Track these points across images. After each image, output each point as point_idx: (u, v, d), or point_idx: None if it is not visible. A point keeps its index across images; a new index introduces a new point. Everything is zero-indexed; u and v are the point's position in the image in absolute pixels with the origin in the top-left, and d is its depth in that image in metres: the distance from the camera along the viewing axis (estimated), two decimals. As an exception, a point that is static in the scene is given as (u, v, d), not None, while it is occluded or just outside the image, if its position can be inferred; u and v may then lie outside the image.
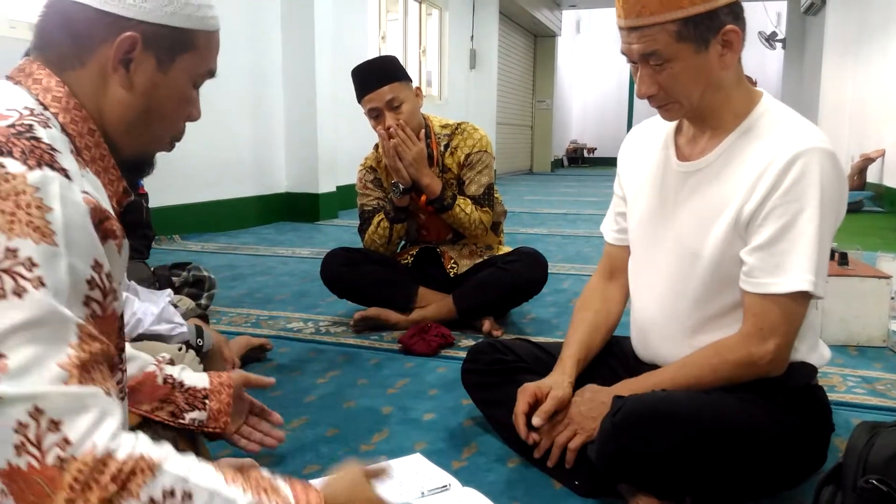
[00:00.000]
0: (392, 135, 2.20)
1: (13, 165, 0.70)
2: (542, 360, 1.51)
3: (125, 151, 0.87)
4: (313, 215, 5.50)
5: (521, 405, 1.33)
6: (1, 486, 0.65)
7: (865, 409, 1.71)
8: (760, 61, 14.60)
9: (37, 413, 0.65)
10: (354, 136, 6.63)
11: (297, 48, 5.37)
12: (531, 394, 1.33)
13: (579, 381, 1.38)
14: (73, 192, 0.73)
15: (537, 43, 13.71)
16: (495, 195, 2.42)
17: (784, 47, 12.91)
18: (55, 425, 0.65)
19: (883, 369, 2.00)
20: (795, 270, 1.13)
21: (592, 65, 16.55)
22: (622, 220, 1.48)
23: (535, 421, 1.29)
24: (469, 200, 2.32)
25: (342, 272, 2.34)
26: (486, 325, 2.26)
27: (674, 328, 1.30)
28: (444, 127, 2.40)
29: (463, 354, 2.06)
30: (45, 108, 0.80)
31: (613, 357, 1.50)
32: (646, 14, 1.14)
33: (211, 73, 0.93)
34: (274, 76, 5.34)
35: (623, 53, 1.21)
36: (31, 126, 0.76)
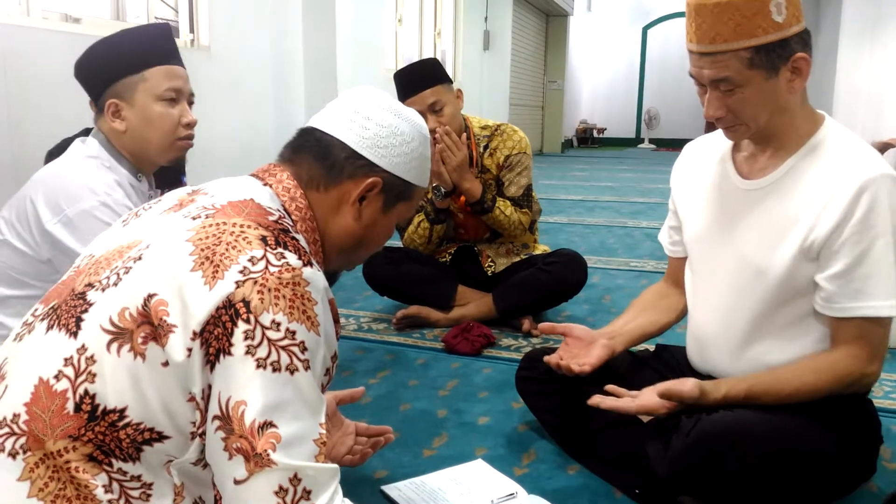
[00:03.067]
0: (438, 140, 2.23)
1: (292, 259, 0.83)
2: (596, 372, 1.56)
3: (330, 265, 1.02)
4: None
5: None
6: None
7: (888, 411, 1.76)
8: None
9: (295, 481, 0.78)
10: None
11: (318, 33, 5.37)
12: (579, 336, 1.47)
13: (623, 381, 1.42)
14: (328, 291, 0.88)
15: (549, 22, 13.61)
16: (532, 194, 2.46)
17: (799, 29, 12.80)
18: (307, 494, 0.79)
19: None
20: (884, 296, 1.18)
21: (603, 44, 16.41)
22: (675, 233, 1.53)
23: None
24: (508, 202, 2.36)
25: (385, 270, 2.38)
26: (526, 324, 2.31)
27: (731, 341, 1.35)
28: (483, 128, 2.43)
29: (504, 354, 2.15)
30: (289, 214, 0.95)
31: (663, 363, 1.55)
32: (719, 41, 1.18)
33: (410, 220, 1.09)
34: (295, 62, 5.35)
35: (691, 76, 1.25)
36: (289, 228, 0.90)
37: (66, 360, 0.82)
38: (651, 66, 16.32)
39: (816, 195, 1.21)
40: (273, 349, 0.79)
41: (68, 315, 0.85)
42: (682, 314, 1.56)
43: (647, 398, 1.25)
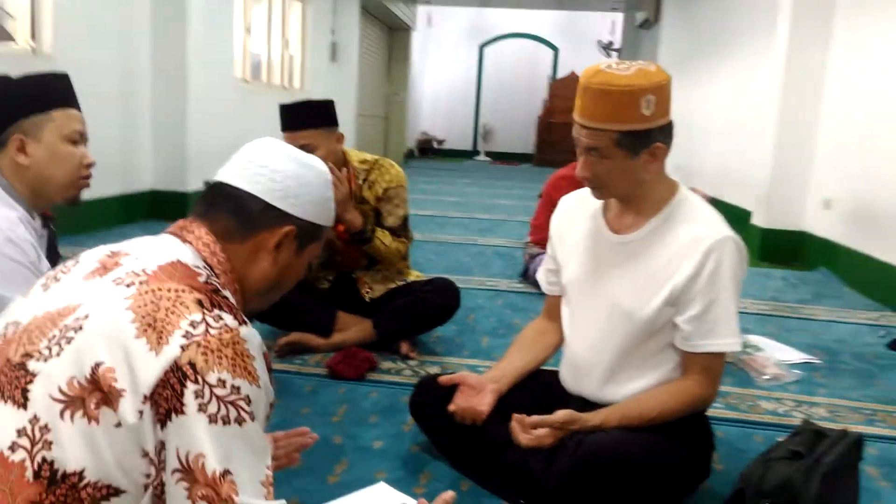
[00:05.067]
0: None
1: (229, 320, 0.91)
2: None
3: (248, 308, 1.08)
4: (181, 214, 5.29)
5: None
6: None
7: (722, 421, 2.11)
8: (597, 67, 15.72)
9: None
10: (225, 133, 6.52)
11: (168, 41, 5.21)
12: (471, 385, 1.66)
13: (503, 401, 1.65)
14: (262, 346, 0.96)
15: (392, 36, 13.87)
16: (408, 224, 2.62)
17: (619, 57, 14.02)
18: None
19: (731, 384, 2.44)
20: (726, 335, 1.47)
21: (443, 59, 16.96)
22: (552, 275, 1.76)
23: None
24: (387, 232, 2.51)
25: (266, 299, 2.43)
26: (404, 347, 2.47)
27: (600, 369, 1.59)
28: (362, 162, 2.56)
29: (386, 377, 2.30)
30: (212, 268, 1.01)
31: (538, 385, 1.77)
32: (597, 120, 1.42)
33: (318, 256, 1.19)
34: (142, 71, 5.15)
35: (573, 136, 1.49)
36: (218, 287, 0.97)
37: (18, 431, 0.86)
38: (487, 83, 17.08)
39: (676, 253, 1.48)
40: (222, 405, 0.88)
41: (12, 387, 0.89)
42: (557, 348, 1.79)
43: (539, 434, 1.45)
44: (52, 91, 1.45)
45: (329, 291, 2.58)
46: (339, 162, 2.45)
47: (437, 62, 16.89)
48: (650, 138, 1.43)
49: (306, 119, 2.32)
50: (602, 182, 1.51)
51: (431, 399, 1.75)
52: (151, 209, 5.30)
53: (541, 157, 15.08)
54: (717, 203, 6.71)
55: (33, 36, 4.14)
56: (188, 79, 5.30)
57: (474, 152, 16.83)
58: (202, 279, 0.97)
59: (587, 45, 15.71)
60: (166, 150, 5.33)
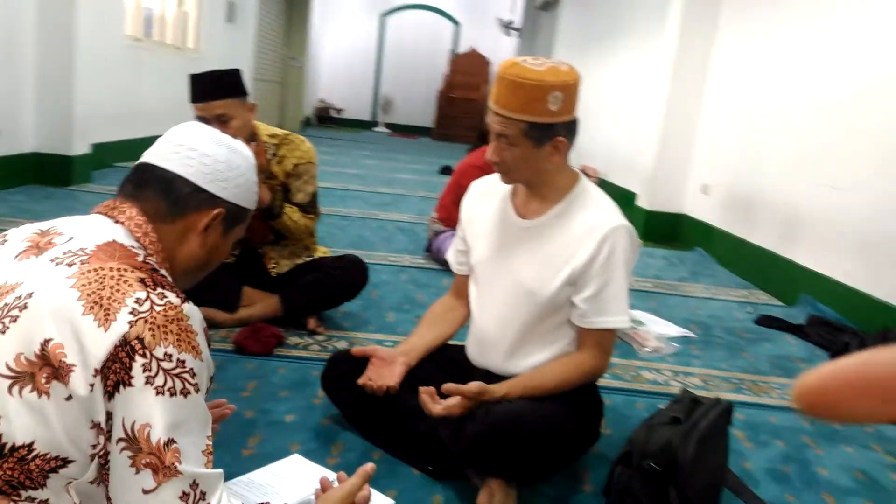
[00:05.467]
0: None
1: (172, 297, 0.95)
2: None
3: (177, 287, 1.11)
4: (64, 179, 5.10)
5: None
6: None
7: (609, 390, 2.29)
8: (496, 44, 15.93)
9: (194, 485, 0.94)
10: (114, 93, 6.21)
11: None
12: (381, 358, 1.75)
13: (412, 373, 1.75)
14: (203, 322, 1.00)
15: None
16: (317, 201, 2.64)
17: (519, 36, 14.27)
18: (203, 495, 0.95)
19: (617, 356, 2.64)
20: (618, 313, 1.61)
21: (343, 24, 16.65)
22: (462, 256, 1.86)
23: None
24: (296, 208, 2.52)
25: (171, 273, 2.40)
26: (312, 323, 2.51)
27: (505, 343, 1.71)
28: (271, 136, 2.55)
29: (294, 352, 2.34)
30: (145, 248, 1.04)
31: (445, 359, 1.88)
32: (508, 109, 1.52)
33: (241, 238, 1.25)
34: (26, 28, 4.80)
35: (487, 124, 1.58)
36: (155, 266, 1.01)
37: None
38: (388, 53, 16.94)
39: (575, 238, 1.60)
40: (168, 377, 0.93)
41: None
42: (464, 323, 1.89)
43: (449, 403, 1.54)
44: None
45: (234, 266, 2.57)
46: (249, 136, 2.43)
47: (337, 28, 16.56)
48: (554, 132, 1.54)
49: (220, 89, 2.29)
50: (509, 167, 1.61)
51: (343, 373, 1.82)
52: (34, 173, 4.99)
53: (440, 132, 15.20)
54: (604, 184, 7.03)
55: None
56: (75, 35, 4.99)
57: (373, 123, 16.72)
58: (140, 258, 1.01)
59: (488, 21, 15.87)
60: (50, 110, 5.02)
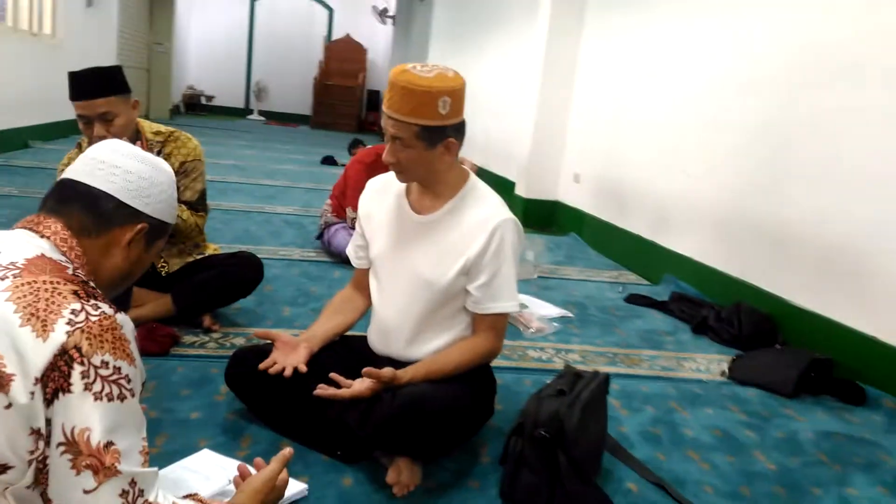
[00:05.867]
0: None
1: (105, 308, 1.00)
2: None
3: None
4: (-88, 176, 4.70)
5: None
6: None
7: (500, 369, 2.44)
8: (372, 31, 15.91)
9: (133, 484, 0.99)
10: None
11: None
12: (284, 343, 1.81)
13: (315, 360, 1.81)
14: (134, 330, 1.06)
15: (155, -19, 12.85)
16: (206, 198, 2.63)
17: (394, 24, 14.32)
18: (141, 492, 1.00)
19: (506, 338, 2.81)
20: (508, 299, 1.75)
21: (210, 8, 16.04)
22: (361, 250, 1.95)
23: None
24: (185, 206, 2.50)
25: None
26: (207, 320, 2.51)
27: (406, 332, 1.82)
28: (156, 134, 2.51)
29: (191, 351, 2.35)
30: (71, 262, 1.07)
31: (346, 348, 1.96)
32: (401, 113, 1.63)
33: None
34: None
35: (382, 127, 1.68)
36: (85, 279, 1.05)
37: None
38: (260, 39, 16.48)
39: (467, 231, 1.73)
40: (105, 384, 0.98)
41: None
42: (363, 313, 1.99)
43: (357, 387, 1.64)
44: None
45: (123, 266, 2.52)
46: (133, 133, 2.39)
47: (205, 13, 15.93)
48: (445, 134, 1.66)
49: (102, 86, 2.23)
50: (404, 167, 1.72)
51: (247, 369, 1.86)
52: None
53: (318, 120, 15.03)
54: (483, 173, 7.27)
55: None
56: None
57: (247, 111, 16.25)
58: (70, 271, 1.05)
59: (363, 8, 15.81)
60: None
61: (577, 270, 4.22)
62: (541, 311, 3.23)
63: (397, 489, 1.63)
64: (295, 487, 1.55)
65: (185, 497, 1.15)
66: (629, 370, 2.66)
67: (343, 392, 1.63)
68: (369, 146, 4.01)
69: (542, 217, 5.58)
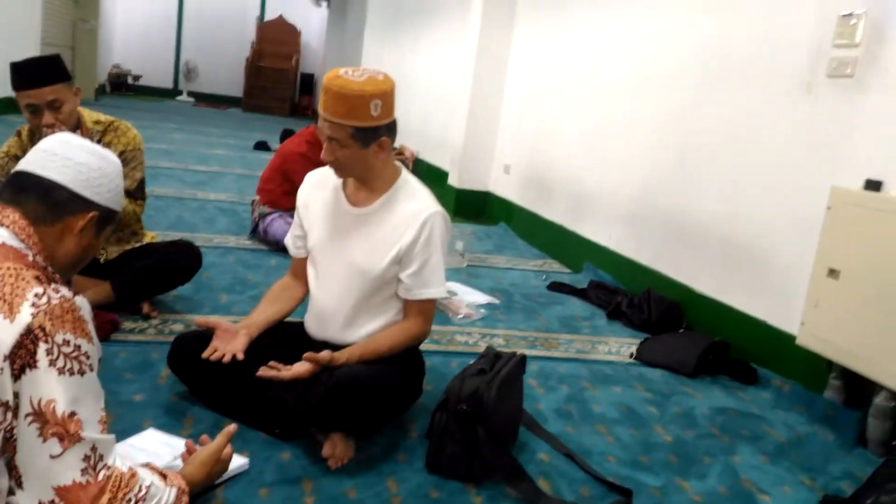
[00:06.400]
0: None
1: (64, 291, 1.12)
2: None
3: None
4: None
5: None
6: (53, 498, 1.02)
7: (428, 353, 2.59)
8: (306, 14, 15.76)
9: (94, 450, 1.12)
10: None
11: None
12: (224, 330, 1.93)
13: (255, 345, 1.95)
14: (91, 311, 1.17)
15: (79, -45, 12.38)
16: (144, 187, 2.70)
17: (329, 7, 14.24)
18: (101, 457, 1.13)
19: (434, 323, 2.96)
20: (437, 286, 1.93)
21: (137, -16, 15.59)
22: (299, 240, 2.08)
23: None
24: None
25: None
26: (146, 307, 2.60)
27: (341, 317, 1.98)
28: (96, 123, 2.57)
29: (131, 337, 2.45)
30: (30, 248, 1.18)
31: (284, 333, 2.10)
32: (336, 116, 1.78)
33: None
34: None
35: (318, 128, 1.82)
36: (44, 265, 1.11)
37: None
38: (189, 18, 16.12)
39: (400, 223, 1.90)
40: (68, 360, 1.11)
41: None
42: (301, 301, 2.13)
43: (297, 368, 1.78)
44: None
45: (61, 254, 2.58)
46: (74, 122, 2.44)
47: (131, -13, 15.48)
48: (378, 134, 1.82)
49: (47, 74, 2.30)
50: (342, 165, 1.87)
51: (189, 353, 1.98)
52: None
53: (250, 102, 14.85)
54: (419, 162, 7.39)
55: None
56: None
57: (177, 92, 15.91)
58: (30, 258, 1.17)
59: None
60: None
61: (504, 259, 4.43)
62: (469, 298, 3.41)
63: (332, 462, 1.78)
64: (237, 461, 1.69)
65: (141, 465, 1.28)
66: (547, 353, 2.87)
67: (283, 374, 1.77)
68: (294, 138, 4.05)
69: (473, 207, 5.78)
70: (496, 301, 3.48)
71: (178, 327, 2.55)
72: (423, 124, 7.80)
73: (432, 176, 6.71)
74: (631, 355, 2.93)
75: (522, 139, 5.33)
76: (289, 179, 3.82)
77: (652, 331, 3.21)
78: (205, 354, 1.88)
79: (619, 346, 3.05)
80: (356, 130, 1.79)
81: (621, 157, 4.00)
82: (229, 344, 1.91)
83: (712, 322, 3.14)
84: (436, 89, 7.41)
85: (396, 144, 9.28)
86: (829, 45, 2.64)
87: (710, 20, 3.34)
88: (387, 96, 1.81)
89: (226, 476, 1.62)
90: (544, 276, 4.08)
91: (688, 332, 3.16)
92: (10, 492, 1.11)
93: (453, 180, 5.93)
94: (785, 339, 2.70)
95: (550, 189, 4.81)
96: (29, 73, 2.29)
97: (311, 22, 15.84)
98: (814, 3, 2.73)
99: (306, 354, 1.78)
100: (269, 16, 15.96)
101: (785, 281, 2.80)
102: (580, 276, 4.13)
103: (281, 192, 3.87)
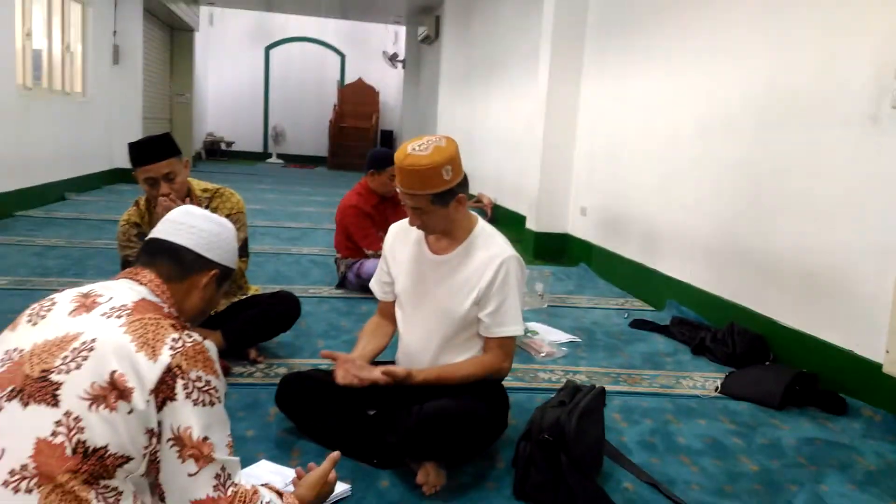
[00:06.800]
0: (170, 203, 2.62)
1: (196, 336, 1.34)
2: (333, 382, 2.19)
3: None
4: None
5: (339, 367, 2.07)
6: None
7: (513, 390, 2.75)
8: (383, 74, 16.48)
9: (223, 469, 1.31)
10: (7, 140, 6.19)
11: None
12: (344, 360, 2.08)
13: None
14: (217, 353, 1.37)
15: (174, 36, 13.48)
16: (248, 246, 2.98)
17: (404, 68, 14.85)
18: (229, 476, 1.32)
19: (518, 361, 3.11)
20: (513, 324, 2.06)
21: (227, 58, 16.69)
22: (386, 286, 2.27)
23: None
24: (231, 253, 2.85)
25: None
26: (253, 353, 2.84)
27: (428, 355, 2.14)
28: (204, 191, 2.87)
29: (241, 380, 2.67)
30: (164, 302, 1.40)
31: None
32: (413, 188, 1.97)
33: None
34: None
35: (401, 199, 2.01)
36: (176, 315, 1.35)
37: (56, 423, 1.21)
38: (275, 84, 17.14)
39: (478, 267, 2.06)
40: (200, 393, 1.30)
41: (42, 393, 1.23)
42: (392, 336, 2.31)
43: (374, 375, 1.98)
44: None
45: (177, 307, 2.86)
46: (185, 191, 2.74)
47: (221, 62, 16.61)
48: (454, 193, 2.00)
49: (163, 150, 2.61)
50: (427, 227, 2.06)
51: (296, 391, 2.18)
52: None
53: (334, 161, 15.50)
54: (496, 208, 7.58)
55: None
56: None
57: (266, 154, 16.82)
58: (166, 310, 1.38)
59: (373, 52, 16.41)
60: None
61: (585, 299, 4.51)
62: (550, 337, 3.52)
63: (426, 488, 1.93)
64: (340, 487, 1.85)
65: (261, 485, 1.46)
66: (631, 388, 2.93)
67: (363, 375, 1.98)
68: (349, 193, 4.31)
69: (552, 249, 5.89)
70: (578, 339, 3.57)
71: (282, 370, 2.77)
72: (497, 172, 8.01)
73: (510, 221, 6.88)
74: (716, 389, 2.96)
75: (597, 182, 5.44)
76: (346, 231, 4.13)
77: (737, 364, 3.21)
78: (342, 381, 2.02)
79: (704, 380, 3.07)
80: (435, 196, 1.97)
81: (695, 196, 4.05)
82: (364, 372, 2.05)
83: (798, 354, 3.13)
84: (509, 138, 7.63)
85: (475, 192, 9.60)
86: (891, 77, 2.68)
87: (772, 61, 3.40)
88: (454, 160, 1.98)
89: (331, 501, 1.79)
90: (626, 314, 4.13)
91: (774, 365, 3.15)
92: None
93: (531, 224, 6.07)
94: (872, 369, 2.68)
95: (627, 228, 4.89)
96: (146, 151, 2.60)
97: (388, 82, 16.54)
98: (873, 38, 2.78)
99: (384, 369, 1.95)
100: (349, 79, 16.78)
101: (868, 310, 2.79)
102: (663, 312, 4.16)
103: (349, 243, 4.16)
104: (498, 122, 8.27)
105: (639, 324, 3.91)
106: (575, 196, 5.82)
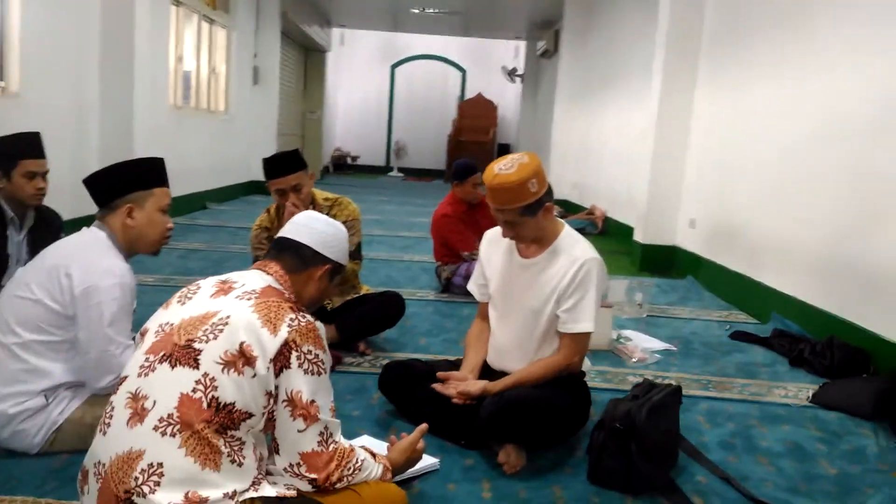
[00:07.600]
0: (295, 210, 2.98)
1: (309, 317, 1.62)
2: (430, 372, 2.46)
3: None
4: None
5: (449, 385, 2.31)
6: (298, 461, 1.50)
7: (601, 390, 2.90)
8: (502, 89, 16.79)
9: (326, 429, 1.57)
10: (164, 156, 6.93)
11: (115, 77, 5.60)
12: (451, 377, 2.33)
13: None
14: (324, 331, 1.63)
15: (308, 56, 14.40)
16: (361, 250, 3.30)
17: (522, 82, 15.09)
18: (331, 434, 1.58)
19: (608, 365, 3.26)
20: (586, 321, 2.23)
21: (355, 77, 17.56)
22: (483, 287, 2.49)
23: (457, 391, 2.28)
24: (346, 255, 3.19)
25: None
26: (362, 346, 3.16)
27: (519, 351, 2.34)
28: (325, 200, 3.23)
29: (351, 369, 2.97)
30: (286, 290, 1.67)
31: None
32: (503, 204, 2.17)
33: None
34: (91, 107, 5.48)
35: (493, 215, 2.24)
36: (293, 300, 1.65)
37: (196, 381, 1.52)
38: (399, 101, 17.86)
39: (562, 267, 2.25)
40: (310, 364, 1.57)
41: (187, 357, 1.54)
42: (490, 335, 2.54)
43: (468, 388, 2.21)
44: (154, 172, 2.10)
45: (298, 303, 3.24)
46: (309, 200, 3.11)
47: (350, 81, 17.49)
48: (542, 203, 2.20)
49: (292, 164, 2.98)
50: (519, 236, 2.28)
51: (396, 377, 2.46)
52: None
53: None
54: (608, 220, 7.59)
55: (0, 76, 4.55)
56: (134, 111, 5.75)
57: (388, 168, 17.52)
58: (286, 296, 1.67)
59: (493, 68, 16.76)
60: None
61: (687, 310, 4.54)
62: (645, 344, 3.61)
63: (507, 468, 2.14)
64: (430, 460, 2.10)
65: (359, 446, 1.72)
66: (719, 394, 3.00)
67: (450, 391, 2.24)
68: (440, 204, 4.73)
69: (659, 261, 5.90)
70: (673, 348, 3.64)
71: (386, 362, 3.06)
72: (610, 184, 8.06)
73: (621, 232, 6.93)
74: (807, 398, 2.97)
75: (706, 194, 5.43)
76: (442, 238, 4.49)
77: (834, 377, 3.19)
78: (456, 400, 2.24)
79: (798, 390, 3.09)
80: (524, 209, 2.17)
81: (804, 208, 4.01)
82: (472, 387, 2.27)
83: (902, 369, 3.07)
84: (622, 150, 7.67)
85: (587, 205, 9.62)
86: None
87: (882, 69, 3.36)
88: (538, 173, 2.17)
89: (421, 472, 2.04)
90: (728, 326, 4.14)
91: (870, 377, 3.11)
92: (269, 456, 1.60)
93: (638, 236, 6.11)
94: (975, 383, 2.61)
95: (735, 241, 4.86)
96: (278, 165, 2.99)
97: (506, 96, 16.82)
98: None
99: (459, 391, 2.21)
100: (469, 94, 17.21)
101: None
102: (767, 325, 4.14)
103: (446, 250, 4.48)
104: (612, 135, 8.32)
105: (739, 335, 3.92)
106: (685, 208, 5.82)
